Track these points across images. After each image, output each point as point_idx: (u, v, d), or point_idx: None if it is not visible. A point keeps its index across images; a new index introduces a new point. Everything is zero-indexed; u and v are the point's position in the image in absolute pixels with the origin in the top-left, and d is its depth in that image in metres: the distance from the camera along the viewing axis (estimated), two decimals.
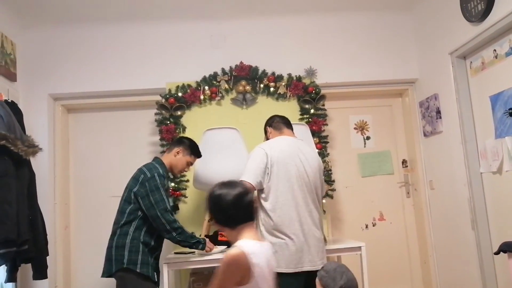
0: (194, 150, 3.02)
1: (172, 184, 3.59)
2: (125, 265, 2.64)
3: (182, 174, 3.21)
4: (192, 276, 3.22)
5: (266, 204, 2.53)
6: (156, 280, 2.78)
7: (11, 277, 3.02)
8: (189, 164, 3.02)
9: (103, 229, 3.76)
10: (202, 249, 2.83)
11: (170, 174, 3.04)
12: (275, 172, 2.53)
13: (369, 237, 3.95)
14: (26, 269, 3.23)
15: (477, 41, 3.20)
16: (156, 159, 2.95)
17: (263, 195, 2.56)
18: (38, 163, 3.31)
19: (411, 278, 4.06)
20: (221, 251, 2.96)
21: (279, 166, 2.54)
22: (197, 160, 3.19)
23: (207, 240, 2.89)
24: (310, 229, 2.54)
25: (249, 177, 2.51)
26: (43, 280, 3.17)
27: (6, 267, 2.98)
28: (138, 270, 2.64)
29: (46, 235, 3.24)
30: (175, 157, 2.95)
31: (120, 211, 2.79)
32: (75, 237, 3.89)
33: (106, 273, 2.70)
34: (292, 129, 2.85)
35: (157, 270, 2.82)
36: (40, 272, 3.12)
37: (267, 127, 2.88)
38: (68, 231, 3.85)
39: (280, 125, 2.81)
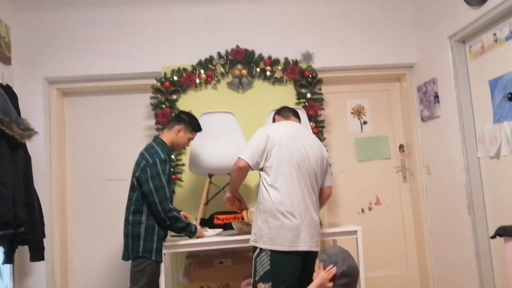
0: (195, 126, 3.01)
1: None
2: (140, 253, 2.75)
3: (184, 148, 3.17)
4: (188, 259, 3.24)
5: (266, 184, 2.56)
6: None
7: (9, 258, 3.05)
8: (191, 140, 3.02)
9: (99, 212, 3.83)
10: (192, 235, 2.88)
11: (172, 153, 3.07)
12: (276, 153, 2.55)
13: (365, 221, 3.95)
14: (23, 251, 3.25)
15: (476, 25, 3.16)
16: (156, 139, 2.94)
17: (263, 175, 2.58)
18: (34, 147, 3.31)
19: (407, 262, 4.08)
20: (217, 234, 2.97)
21: (281, 147, 2.56)
22: (193, 144, 3.18)
23: (199, 229, 2.91)
24: (307, 211, 2.56)
25: (246, 156, 2.56)
26: (40, 262, 3.20)
27: (3, 249, 3.01)
28: (153, 258, 2.76)
29: (42, 217, 3.26)
30: (176, 136, 2.94)
31: (129, 198, 2.84)
32: (71, 220, 3.90)
33: (125, 258, 2.82)
34: (299, 117, 2.89)
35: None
36: (37, 254, 3.14)
37: (276, 115, 2.92)
38: (64, 214, 3.87)
39: (288, 114, 2.86)
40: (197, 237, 2.89)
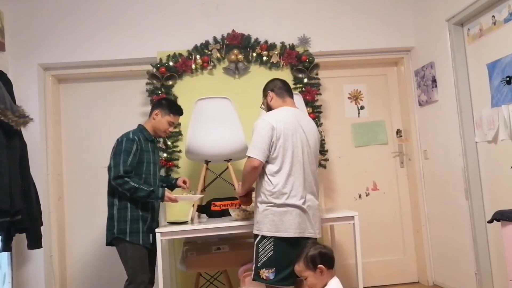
0: (172, 109, 2.98)
1: (165, 154, 3.58)
2: (115, 234, 2.76)
3: (168, 135, 3.16)
4: (185, 246, 3.24)
5: (271, 173, 2.54)
6: (151, 242, 2.85)
7: (6, 246, 3.05)
8: (171, 123, 2.98)
9: (96, 199, 3.82)
10: (159, 199, 2.83)
11: (154, 138, 3.03)
12: (281, 144, 2.53)
13: (362, 206, 3.96)
14: (21, 239, 3.25)
15: (475, 7, 3.13)
16: (138, 126, 2.99)
17: (268, 165, 2.56)
18: (30, 134, 3.29)
19: (404, 247, 4.10)
20: (190, 198, 3.00)
21: (285, 138, 2.54)
22: (190, 131, 3.16)
23: (167, 193, 2.84)
24: (311, 198, 2.58)
25: (257, 154, 2.51)
26: (38, 249, 3.20)
27: (0, 237, 3.01)
28: (127, 239, 2.73)
29: (39, 205, 3.26)
30: (155, 120, 2.95)
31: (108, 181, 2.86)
32: (68, 207, 3.90)
33: (106, 242, 2.84)
34: (293, 97, 2.81)
35: (152, 232, 2.86)
36: (35, 242, 3.15)
37: (269, 91, 2.75)
38: (61, 202, 3.87)
39: (283, 93, 2.74)
40: (171, 201, 2.86)
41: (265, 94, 2.80)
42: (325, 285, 2.05)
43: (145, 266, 2.80)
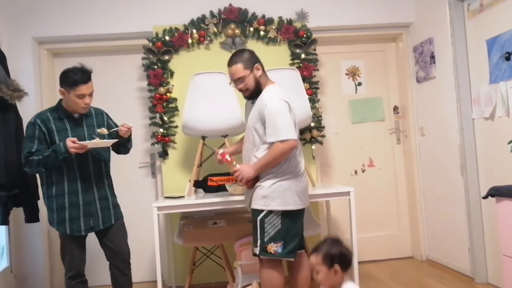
0: (66, 82, 2.54)
1: (161, 130, 3.57)
2: (49, 223, 2.68)
3: (87, 108, 2.63)
4: (182, 220, 3.27)
5: (296, 152, 2.58)
6: (88, 227, 2.62)
7: (4, 220, 3.06)
8: (80, 96, 2.54)
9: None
10: (65, 154, 2.46)
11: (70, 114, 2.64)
12: (296, 123, 2.57)
13: (358, 183, 3.98)
14: (18, 213, 3.27)
15: None
16: (58, 102, 2.70)
17: None
18: (25, 108, 3.26)
19: (398, 222, 4.14)
20: (101, 143, 2.57)
21: (295, 113, 2.56)
22: (186, 106, 3.15)
23: (69, 140, 2.45)
24: (305, 169, 2.69)
25: (293, 134, 2.45)
26: (36, 223, 3.21)
27: None
28: (55, 228, 2.64)
29: (36, 179, 3.25)
30: (64, 98, 2.61)
31: None
32: None
33: None
34: None
35: (91, 216, 2.63)
36: (32, 216, 3.16)
37: (258, 63, 2.57)
38: None
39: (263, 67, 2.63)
40: (79, 150, 2.46)
41: (249, 67, 2.54)
42: (336, 285, 2.04)
43: (75, 256, 2.63)
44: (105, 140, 2.61)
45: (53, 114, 2.62)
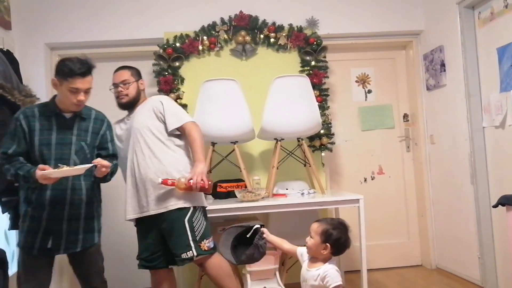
0: (61, 71, 2.25)
1: None
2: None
3: (80, 106, 2.38)
4: None
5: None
6: (35, 248, 2.29)
7: (15, 224, 3.07)
8: (73, 90, 2.25)
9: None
10: (35, 183, 2.20)
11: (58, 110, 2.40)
12: None
13: (367, 190, 3.96)
14: None
15: None
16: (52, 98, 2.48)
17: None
18: None
19: (408, 230, 4.12)
20: (70, 171, 2.21)
21: None
22: (196, 112, 3.16)
23: (39, 168, 2.16)
24: None
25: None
26: None
27: (9, 215, 3.03)
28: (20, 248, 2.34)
29: None
30: (57, 92, 2.34)
31: None
32: None
33: None
34: None
35: (52, 233, 2.31)
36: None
37: (143, 81, 2.83)
38: None
39: None
40: (47, 180, 2.16)
41: (136, 77, 2.77)
42: (319, 259, 2.07)
43: (29, 273, 2.31)
44: (77, 167, 2.22)
45: (41, 110, 2.34)
